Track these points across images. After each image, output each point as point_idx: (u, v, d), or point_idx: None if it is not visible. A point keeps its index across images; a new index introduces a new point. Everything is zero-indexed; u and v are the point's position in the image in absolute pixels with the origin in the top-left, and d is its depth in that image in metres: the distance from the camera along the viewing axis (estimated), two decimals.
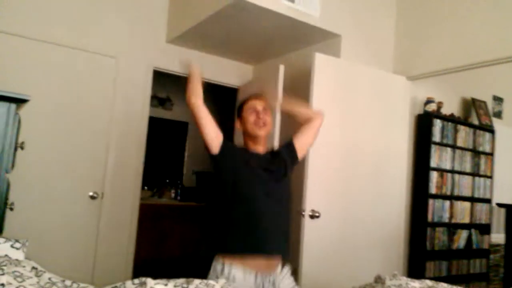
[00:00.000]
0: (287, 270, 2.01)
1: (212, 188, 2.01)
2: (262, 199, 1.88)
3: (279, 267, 1.95)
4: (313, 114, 2.15)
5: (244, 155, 1.97)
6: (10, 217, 2.11)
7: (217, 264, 1.84)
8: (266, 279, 1.85)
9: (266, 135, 2.01)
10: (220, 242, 1.89)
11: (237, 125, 2.07)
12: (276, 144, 3.12)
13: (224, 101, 4.66)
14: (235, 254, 1.84)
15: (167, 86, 5.51)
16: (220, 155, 1.90)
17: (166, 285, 1.37)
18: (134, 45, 3.70)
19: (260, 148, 2.01)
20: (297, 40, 3.67)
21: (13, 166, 1.98)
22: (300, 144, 2.10)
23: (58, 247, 3.24)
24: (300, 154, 2.11)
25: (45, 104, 3.22)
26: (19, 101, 1.95)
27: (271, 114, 2.04)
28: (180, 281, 1.44)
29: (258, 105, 2.01)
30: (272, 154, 2.06)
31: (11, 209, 2.09)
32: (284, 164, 2.02)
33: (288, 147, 2.10)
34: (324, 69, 3.17)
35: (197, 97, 1.88)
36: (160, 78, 4.15)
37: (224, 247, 1.87)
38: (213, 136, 1.89)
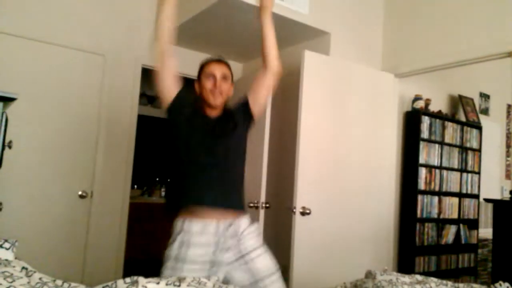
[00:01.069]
0: (253, 228, 1.95)
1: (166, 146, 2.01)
2: (201, 156, 1.89)
3: (242, 220, 1.92)
4: (271, 60, 2.04)
5: (193, 114, 1.93)
6: None
7: (178, 221, 1.88)
8: (228, 228, 1.85)
9: (221, 103, 1.95)
10: (172, 198, 1.95)
11: (196, 86, 1.99)
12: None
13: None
14: (183, 207, 1.87)
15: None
16: (169, 109, 1.92)
17: (158, 283, 1.36)
18: (122, 43, 3.67)
19: (213, 112, 1.96)
20: (286, 38, 3.67)
21: (0, 165, 1.95)
22: (256, 101, 2.03)
23: (47, 247, 3.21)
24: (256, 112, 2.03)
25: (33, 102, 3.18)
26: (6, 100, 1.93)
27: (230, 80, 1.97)
28: (172, 279, 1.44)
29: (217, 71, 1.93)
30: (224, 115, 1.99)
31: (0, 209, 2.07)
32: (233, 125, 1.97)
33: (242, 107, 2.03)
34: (313, 66, 3.18)
35: (160, 31, 1.87)
36: (149, 75, 4.12)
37: (174, 202, 1.92)
38: (166, 94, 1.90)
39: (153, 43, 1.85)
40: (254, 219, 2.05)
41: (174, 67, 1.90)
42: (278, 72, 2.05)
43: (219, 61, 1.99)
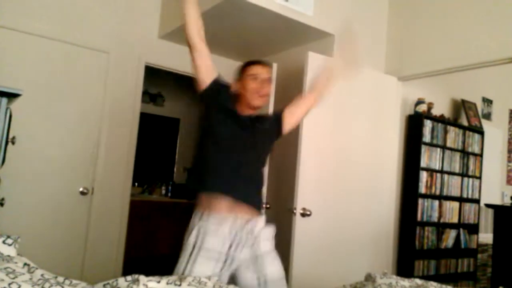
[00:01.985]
0: (268, 230, 1.97)
1: (199, 127, 2.01)
2: (236, 149, 1.91)
3: (259, 219, 1.94)
4: (319, 93, 2.20)
5: (227, 108, 1.95)
6: (0, 213, 2.09)
7: (196, 214, 1.90)
8: (245, 225, 1.86)
9: (262, 105, 1.98)
10: (197, 179, 1.93)
11: (234, 86, 1.99)
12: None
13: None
14: (207, 191, 1.88)
15: (159, 82, 5.49)
16: (205, 93, 1.92)
17: (159, 282, 1.37)
18: (126, 40, 3.67)
19: (247, 112, 1.98)
20: (290, 38, 3.68)
21: (3, 161, 1.96)
22: (289, 119, 2.11)
23: (48, 243, 3.21)
24: (286, 128, 2.11)
25: (36, 98, 3.18)
26: (11, 96, 1.93)
27: (271, 83, 2.02)
28: (173, 278, 1.44)
29: (263, 73, 1.96)
30: (257, 118, 2.02)
31: (2, 204, 2.08)
32: (263, 132, 2.02)
33: (276, 118, 2.10)
34: (317, 68, 3.17)
35: (190, 25, 1.87)
36: (152, 74, 4.13)
37: (199, 184, 1.92)
38: (203, 77, 1.91)
39: (185, 30, 1.88)
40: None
41: (208, 55, 1.92)
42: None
43: (263, 63, 2.02)
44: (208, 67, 1.92)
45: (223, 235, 1.82)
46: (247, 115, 1.98)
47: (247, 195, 1.92)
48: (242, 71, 1.99)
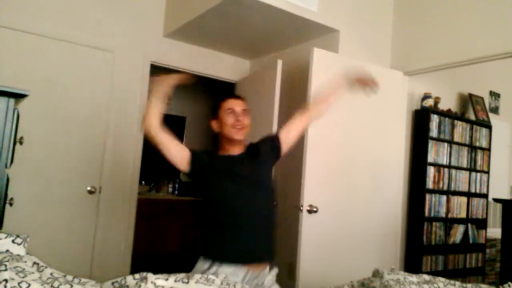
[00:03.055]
0: (274, 272, 1.95)
1: (199, 196, 1.95)
2: (239, 204, 1.86)
3: (267, 270, 1.92)
4: (320, 113, 2.18)
5: (215, 161, 1.91)
6: (9, 213, 2.10)
7: (204, 264, 1.82)
8: (256, 277, 1.84)
9: (243, 138, 1.94)
10: (208, 247, 1.85)
11: (213, 125, 1.97)
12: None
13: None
14: (223, 260, 1.80)
15: None
16: (191, 172, 1.87)
17: (166, 280, 1.37)
18: (131, 39, 3.69)
19: (236, 150, 1.95)
20: (295, 35, 3.67)
21: (12, 161, 1.97)
22: (287, 139, 2.06)
23: (56, 242, 3.24)
24: (284, 149, 2.06)
25: (43, 98, 3.20)
26: (18, 96, 1.94)
27: (249, 115, 1.97)
28: (181, 276, 1.45)
29: (237, 106, 1.93)
30: (250, 151, 1.99)
31: (11, 204, 2.08)
32: (260, 164, 1.98)
33: (271, 143, 2.05)
34: (322, 64, 3.17)
35: (150, 121, 1.78)
36: (158, 72, 4.14)
37: (212, 253, 1.83)
38: (178, 160, 1.85)
39: (143, 128, 1.82)
40: None
41: (170, 138, 1.86)
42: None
43: (236, 97, 2.01)
44: (180, 149, 1.88)
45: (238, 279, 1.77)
46: (239, 154, 1.95)
47: (261, 252, 1.89)
48: (218, 108, 1.96)
